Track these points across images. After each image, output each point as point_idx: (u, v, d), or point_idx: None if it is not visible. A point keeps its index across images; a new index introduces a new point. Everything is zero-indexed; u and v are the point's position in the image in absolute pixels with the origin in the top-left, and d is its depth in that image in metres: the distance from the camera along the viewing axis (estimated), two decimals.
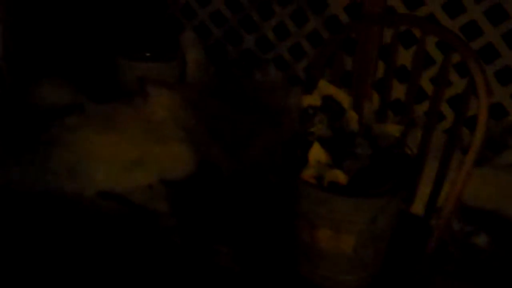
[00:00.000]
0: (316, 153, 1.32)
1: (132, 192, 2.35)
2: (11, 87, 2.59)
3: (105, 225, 2.18)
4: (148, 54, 2.68)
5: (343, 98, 1.45)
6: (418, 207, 1.60)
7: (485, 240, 2.22)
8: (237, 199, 2.30)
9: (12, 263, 1.98)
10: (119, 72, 2.70)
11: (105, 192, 2.34)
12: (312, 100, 1.41)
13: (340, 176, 1.28)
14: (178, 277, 1.99)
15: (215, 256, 2.07)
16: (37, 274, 1.96)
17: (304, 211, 1.32)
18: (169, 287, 1.96)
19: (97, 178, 2.34)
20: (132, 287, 1.94)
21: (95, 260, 2.02)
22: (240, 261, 1.54)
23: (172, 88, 2.59)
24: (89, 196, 2.31)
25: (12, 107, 2.55)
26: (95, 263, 2.01)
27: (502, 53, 2.42)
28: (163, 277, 1.98)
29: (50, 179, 2.31)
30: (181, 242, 2.14)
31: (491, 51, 2.44)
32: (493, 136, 2.49)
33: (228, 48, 2.92)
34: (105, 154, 2.36)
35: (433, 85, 1.56)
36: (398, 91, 2.07)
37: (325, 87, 1.45)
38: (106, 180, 2.35)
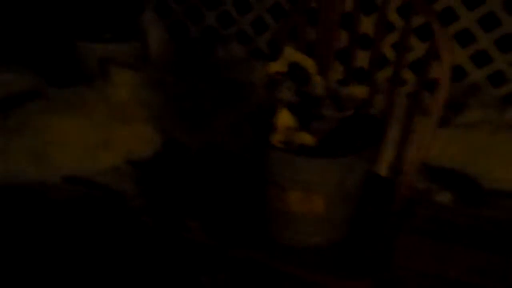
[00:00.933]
0: (284, 118, 1.32)
1: (98, 175, 2.33)
2: None
3: (73, 210, 2.16)
4: (108, 36, 2.64)
5: (309, 64, 1.46)
6: (383, 170, 1.62)
7: (449, 198, 2.27)
8: (205, 175, 2.31)
9: None
10: (79, 55, 2.66)
11: (70, 177, 2.31)
12: (278, 66, 1.42)
13: (307, 139, 1.29)
14: (151, 256, 1.99)
15: (186, 232, 2.07)
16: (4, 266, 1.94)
17: (275, 176, 1.33)
18: (142, 267, 1.95)
19: (61, 163, 2.32)
20: (105, 270, 1.94)
21: (64, 246, 2.01)
22: (212, 234, 1.55)
23: (134, 68, 2.56)
24: (54, 182, 2.29)
25: None
26: (64, 249, 1.99)
27: (461, 15, 2.46)
28: (136, 258, 1.98)
29: (12, 168, 2.27)
30: (152, 222, 2.14)
31: (450, 13, 2.47)
32: (455, 97, 2.54)
33: (189, 25, 2.90)
34: (69, 138, 2.33)
35: (394, 50, 1.58)
36: (361, 59, 2.09)
37: (291, 53, 1.46)
38: (71, 165, 2.32)
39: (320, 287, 1.47)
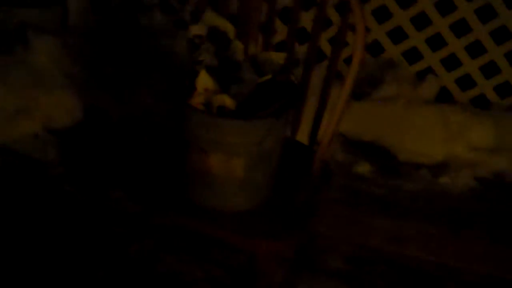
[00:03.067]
0: (204, 80, 1.35)
1: (17, 142, 2.28)
2: None
3: None
4: (28, 0, 2.57)
5: (229, 28, 1.49)
6: (302, 139, 1.68)
7: (367, 169, 2.37)
8: (127, 143, 2.30)
9: None
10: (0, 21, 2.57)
11: None
12: (198, 30, 1.44)
13: (227, 101, 1.32)
14: (75, 226, 1.98)
15: (110, 202, 2.07)
16: None
17: (195, 138, 1.36)
18: (64, 236, 1.94)
19: None
20: (26, 241, 1.91)
21: None
22: (136, 201, 1.56)
23: (54, 34, 2.51)
24: None
25: None
26: None
27: None
28: (59, 228, 1.96)
29: None
30: (73, 190, 2.12)
31: None
32: (372, 73, 2.63)
33: None
34: None
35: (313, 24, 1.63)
36: (281, 33, 2.14)
37: (211, 17, 1.48)
38: None
39: (244, 248, 1.52)
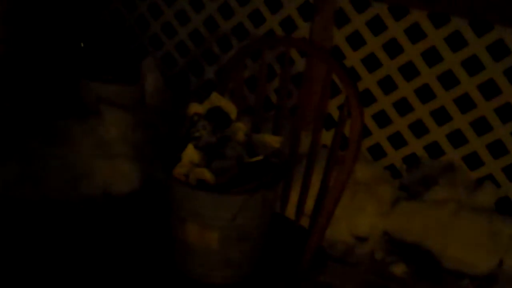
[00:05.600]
0: (190, 153, 1.44)
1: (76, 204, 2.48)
2: None
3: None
4: (109, 77, 2.84)
5: (232, 109, 1.59)
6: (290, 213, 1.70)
7: (403, 270, 2.29)
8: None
9: None
10: (81, 92, 2.86)
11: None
12: (197, 108, 1.55)
13: (206, 174, 1.40)
14: None
15: None
16: None
17: (176, 207, 1.44)
18: None
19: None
20: None
21: None
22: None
23: (126, 109, 2.74)
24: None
25: None
26: None
27: (437, 94, 2.54)
28: None
29: None
30: None
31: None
32: (428, 173, 2.58)
33: (190, 78, 3.09)
34: (54, 167, 2.51)
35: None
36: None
37: (216, 98, 1.59)
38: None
39: None
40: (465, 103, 2.50)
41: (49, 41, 3.07)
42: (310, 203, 1.70)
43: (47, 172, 2.52)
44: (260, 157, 1.47)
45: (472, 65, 2.43)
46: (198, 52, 3.03)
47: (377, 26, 2.56)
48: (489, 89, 2.43)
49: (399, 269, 2.29)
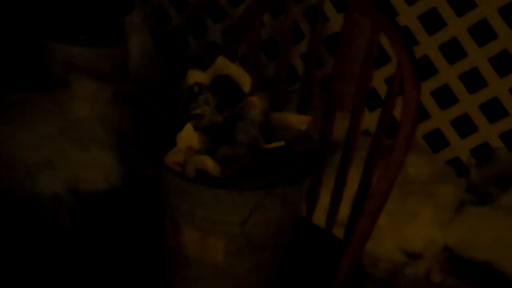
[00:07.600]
0: (187, 136, 1.45)
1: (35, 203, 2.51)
2: None
3: None
4: (81, 37, 2.86)
5: (244, 80, 1.59)
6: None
7: None
8: None
9: None
10: (43, 57, 2.88)
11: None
12: (199, 77, 1.56)
13: (208, 164, 1.40)
14: None
15: None
16: None
17: (168, 208, 1.45)
18: None
19: None
20: None
21: None
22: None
23: (104, 80, 2.76)
24: None
25: None
26: None
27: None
28: None
29: None
30: None
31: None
32: (505, 169, 2.58)
33: (189, 39, 3.11)
34: (5, 153, 2.53)
35: None
36: None
37: (224, 65, 1.60)
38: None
39: None
40: None
41: None
42: (345, 207, 1.71)
43: None
44: (280, 143, 1.48)
45: None
46: (200, 5, 3.04)
47: None
48: None
49: None
